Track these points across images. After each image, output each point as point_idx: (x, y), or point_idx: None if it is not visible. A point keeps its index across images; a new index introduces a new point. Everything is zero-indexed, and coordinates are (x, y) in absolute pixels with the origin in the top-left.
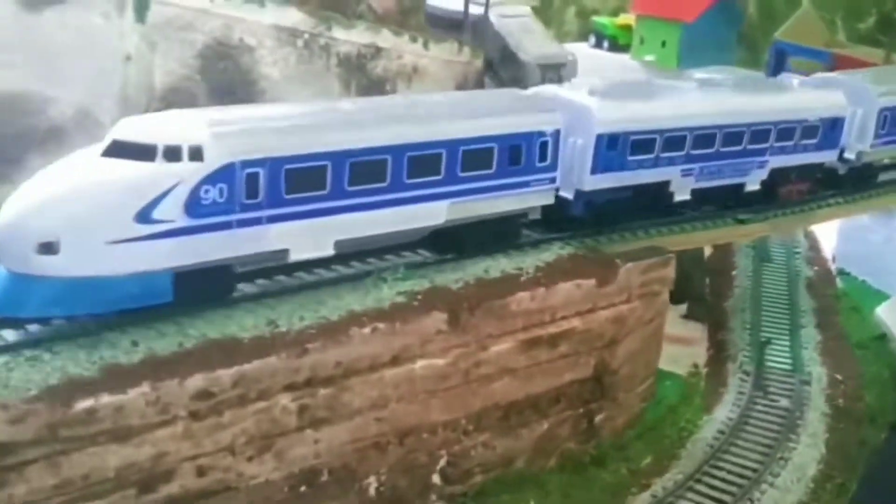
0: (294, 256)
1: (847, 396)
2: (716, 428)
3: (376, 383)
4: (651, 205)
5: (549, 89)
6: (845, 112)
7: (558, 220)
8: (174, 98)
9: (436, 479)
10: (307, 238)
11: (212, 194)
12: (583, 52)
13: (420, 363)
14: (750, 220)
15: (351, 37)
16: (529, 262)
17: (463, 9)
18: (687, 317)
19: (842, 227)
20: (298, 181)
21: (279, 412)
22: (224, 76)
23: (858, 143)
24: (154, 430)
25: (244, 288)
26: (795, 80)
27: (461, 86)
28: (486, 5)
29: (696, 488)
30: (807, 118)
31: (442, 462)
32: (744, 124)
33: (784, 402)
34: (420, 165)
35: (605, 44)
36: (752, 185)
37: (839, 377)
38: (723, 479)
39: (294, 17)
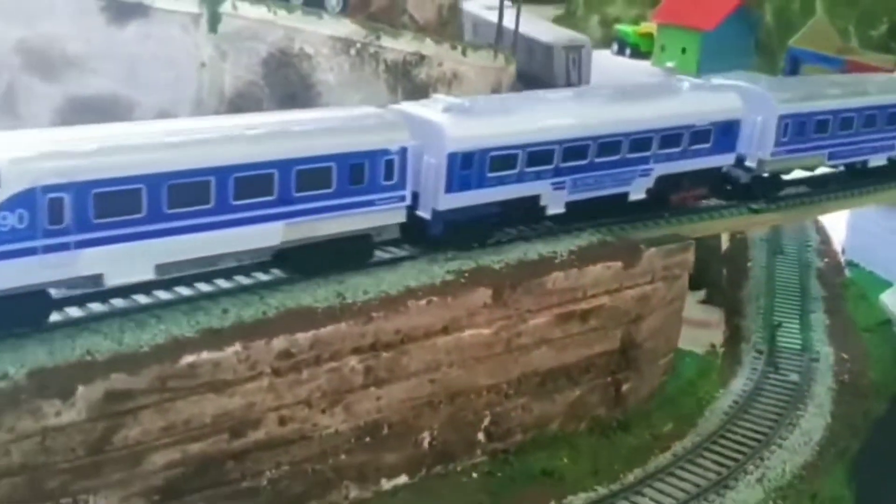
0: (109, 282)
1: (852, 373)
2: (731, 399)
3: (430, 349)
4: (525, 218)
5: (402, 107)
6: (740, 116)
7: (419, 238)
8: (241, 101)
9: (480, 436)
10: (123, 262)
11: (10, 220)
12: (606, 58)
13: (468, 332)
14: (763, 210)
15: (397, 45)
16: (563, 246)
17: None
18: (705, 302)
19: (850, 220)
20: (111, 205)
21: (348, 371)
22: (285, 81)
23: (759, 151)
24: (244, 384)
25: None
26: (686, 83)
27: (496, 90)
28: (500, 12)
29: (713, 448)
30: (695, 123)
31: (486, 421)
32: (621, 133)
33: (794, 377)
34: (249, 186)
35: (628, 51)
36: (637, 193)
37: (845, 356)
38: (737, 441)
39: (348, 28)
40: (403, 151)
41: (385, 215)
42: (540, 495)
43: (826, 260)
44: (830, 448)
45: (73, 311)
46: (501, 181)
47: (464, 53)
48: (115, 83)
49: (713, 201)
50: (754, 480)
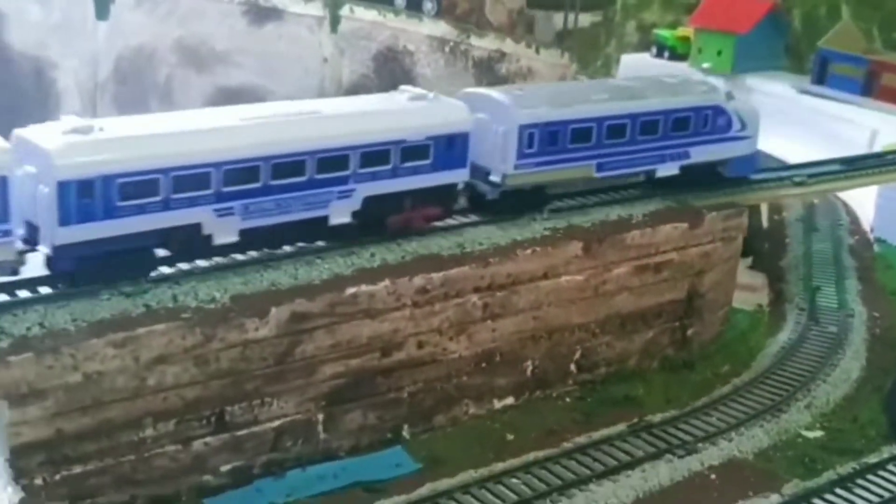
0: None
1: (883, 328)
2: (779, 346)
3: (534, 291)
4: (188, 251)
5: (24, 132)
6: (468, 128)
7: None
8: (355, 91)
9: (572, 367)
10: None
11: None
12: (646, 61)
13: (564, 278)
14: (805, 183)
15: (483, 44)
16: (637, 210)
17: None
18: (752, 268)
19: (878, 202)
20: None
21: (470, 306)
22: (391, 75)
23: (501, 165)
24: (391, 313)
25: (439, 224)
26: (405, 95)
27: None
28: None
29: (766, 383)
30: (406, 138)
31: (577, 355)
32: (305, 152)
33: (833, 329)
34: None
35: (666, 53)
36: (340, 217)
37: (877, 314)
38: (786, 378)
39: (443, 28)
40: (3, 181)
41: None
42: (625, 414)
43: (856, 237)
44: (867, 385)
45: (254, 253)
46: (140, 210)
47: (537, 51)
48: (254, 75)
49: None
50: (803, 406)
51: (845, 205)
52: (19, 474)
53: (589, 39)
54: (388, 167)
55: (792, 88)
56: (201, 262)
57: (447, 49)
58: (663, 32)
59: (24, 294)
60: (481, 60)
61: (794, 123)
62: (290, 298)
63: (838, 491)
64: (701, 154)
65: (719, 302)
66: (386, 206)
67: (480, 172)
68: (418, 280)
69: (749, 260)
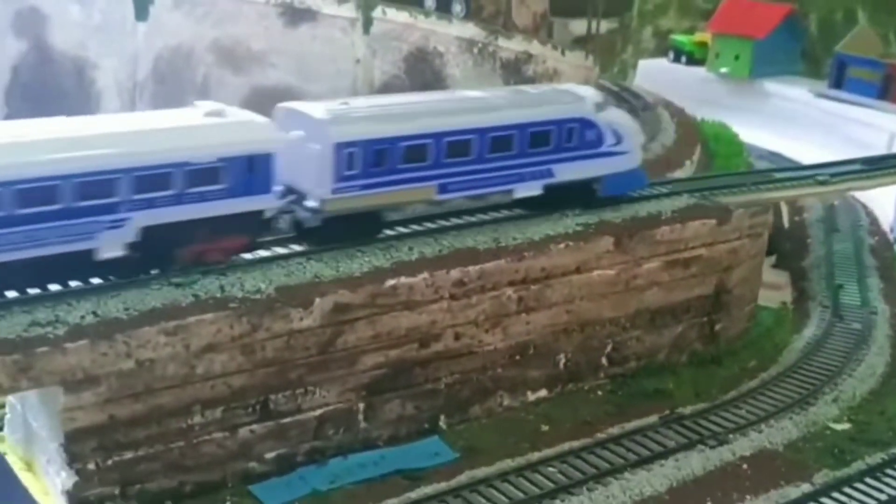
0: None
1: None
2: (804, 342)
3: (567, 285)
4: None
5: None
6: (271, 148)
7: None
8: (387, 91)
9: (603, 360)
10: None
11: None
12: (663, 65)
13: (596, 272)
14: (828, 182)
15: (510, 45)
16: (666, 206)
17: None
18: (776, 266)
19: None
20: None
21: (505, 299)
22: (422, 75)
23: (318, 189)
24: (429, 305)
25: (471, 218)
26: (200, 111)
27: (586, 85)
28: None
29: (794, 377)
30: (189, 160)
31: (608, 348)
32: (59, 177)
33: (856, 326)
34: None
35: (683, 59)
36: (111, 250)
37: None
38: (813, 372)
39: (471, 30)
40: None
41: None
42: (656, 406)
43: (876, 238)
44: (892, 379)
45: (296, 247)
46: None
47: (563, 53)
48: (289, 75)
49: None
50: (830, 400)
51: (865, 206)
52: (73, 459)
53: (606, 46)
54: (171, 193)
55: (809, 92)
56: (244, 255)
57: (475, 50)
58: (680, 38)
59: (76, 284)
60: (508, 62)
61: (813, 127)
62: (333, 290)
63: (868, 480)
64: (568, 172)
65: (746, 298)
66: (172, 237)
67: (299, 197)
68: (455, 273)
69: (773, 259)
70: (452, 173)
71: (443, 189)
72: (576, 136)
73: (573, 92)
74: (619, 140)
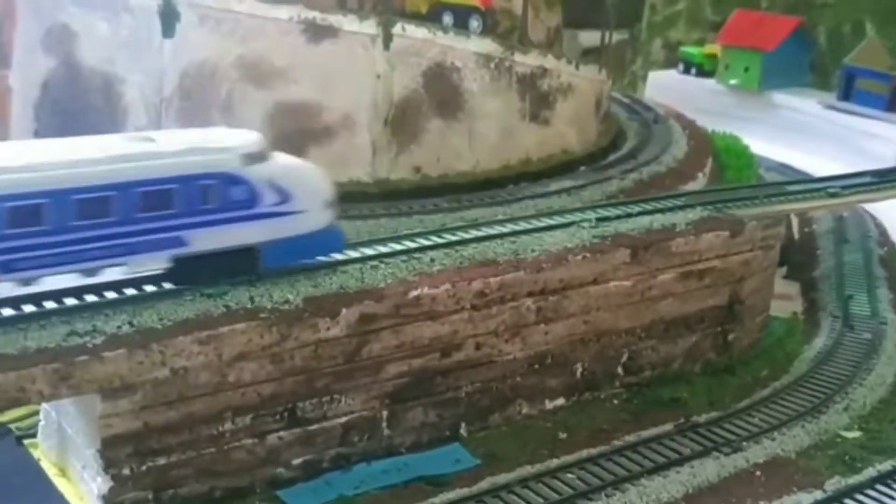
0: None
1: None
2: (815, 351)
3: (584, 296)
4: None
5: None
6: None
7: None
8: (406, 106)
9: (619, 370)
10: None
11: None
12: (673, 77)
13: (612, 284)
14: (839, 194)
15: (526, 60)
16: (679, 219)
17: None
18: (786, 277)
19: None
20: None
21: (524, 310)
22: (440, 90)
23: None
24: (451, 315)
25: (490, 230)
26: None
27: (599, 98)
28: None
29: (805, 386)
30: None
31: (624, 358)
32: None
33: (866, 336)
34: None
35: (693, 70)
36: None
37: None
38: (824, 382)
39: (489, 45)
40: None
41: None
42: (671, 414)
43: (885, 248)
44: None
45: (323, 259)
46: None
47: (577, 68)
48: (311, 91)
49: None
50: (841, 409)
51: (874, 218)
52: (108, 465)
53: (615, 58)
54: None
55: (818, 104)
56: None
57: (492, 65)
58: (690, 49)
59: (112, 296)
60: (524, 76)
61: (822, 138)
62: (358, 300)
63: (879, 487)
64: (207, 240)
65: (758, 308)
66: None
67: None
68: (476, 284)
69: (783, 270)
70: (19, 247)
71: (6, 267)
72: (214, 195)
73: (218, 141)
74: (284, 198)
